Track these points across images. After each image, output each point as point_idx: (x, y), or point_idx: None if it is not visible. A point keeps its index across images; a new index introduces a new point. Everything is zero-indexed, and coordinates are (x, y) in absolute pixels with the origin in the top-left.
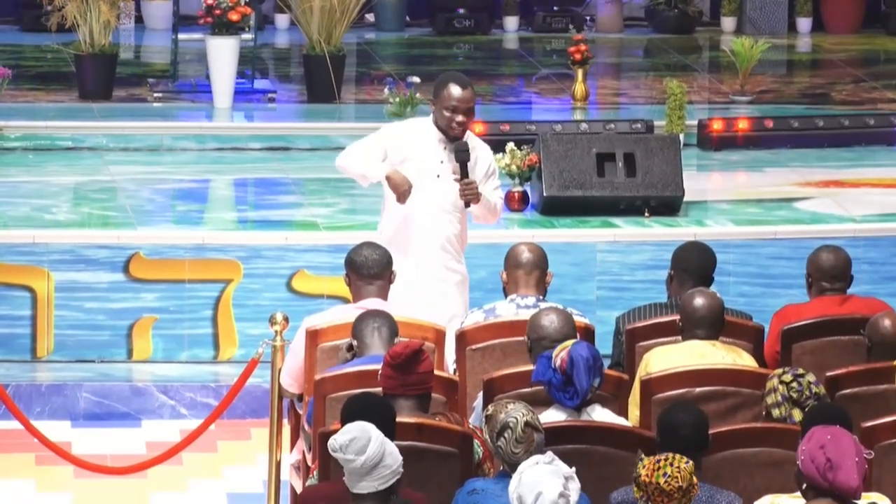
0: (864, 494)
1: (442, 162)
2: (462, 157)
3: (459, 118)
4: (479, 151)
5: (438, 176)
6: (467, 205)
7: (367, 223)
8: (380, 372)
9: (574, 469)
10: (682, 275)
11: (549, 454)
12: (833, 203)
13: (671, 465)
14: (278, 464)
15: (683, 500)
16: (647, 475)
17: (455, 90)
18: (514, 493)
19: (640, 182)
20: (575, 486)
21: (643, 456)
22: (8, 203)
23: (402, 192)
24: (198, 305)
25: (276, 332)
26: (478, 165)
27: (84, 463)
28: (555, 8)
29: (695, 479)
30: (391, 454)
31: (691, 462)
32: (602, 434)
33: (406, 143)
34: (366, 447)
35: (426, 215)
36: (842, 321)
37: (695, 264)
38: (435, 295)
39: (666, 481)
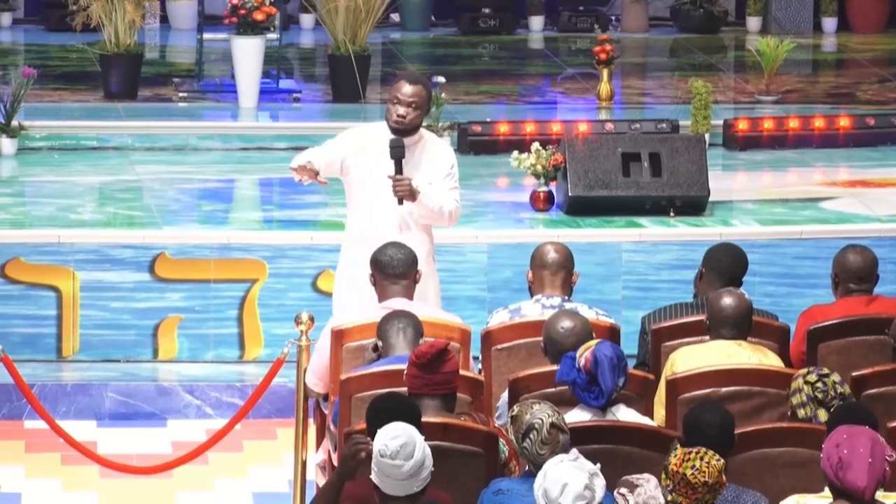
0: (886, 494)
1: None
2: (395, 153)
3: (400, 110)
4: (440, 152)
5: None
6: (400, 202)
7: None
8: (405, 372)
9: (599, 466)
10: (711, 274)
11: (574, 452)
12: (858, 203)
13: (701, 459)
14: (304, 463)
15: (708, 496)
16: (675, 465)
17: (402, 84)
18: (539, 490)
19: (666, 182)
20: (600, 483)
21: (678, 445)
22: (33, 203)
23: (299, 180)
24: (223, 305)
25: (301, 331)
26: (435, 165)
27: (110, 463)
28: (580, 7)
29: (724, 477)
30: (429, 455)
31: (723, 460)
32: (627, 434)
33: (363, 144)
34: (413, 451)
35: (385, 215)
36: (867, 321)
37: (726, 265)
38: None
39: (692, 474)
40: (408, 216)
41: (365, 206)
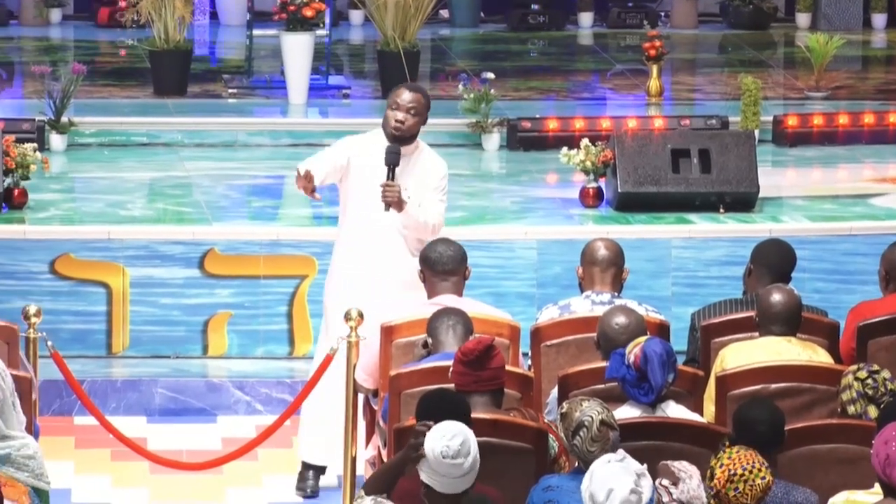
0: None
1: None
2: (390, 159)
3: (399, 116)
4: (434, 164)
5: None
6: (386, 208)
7: None
8: (451, 369)
9: (646, 466)
10: (761, 270)
11: (621, 452)
12: None
13: (745, 482)
14: (353, 459)
15: None
16: (720, 480)
17: (402, 92)
18: (586, 492)
19: (715, 178)
20: (647, 483)
21: (726, 447)
22: (83, 199)
23: (302, 186)
24: (273, 301)
25: (351, 327)
26: (428, 176)
27: (160, 458)
28: (629, 4)
29: (770, 478)
30: (477, 450)
31: (768, 478)
32: (677, 430)
33: (361, 150)
34: (470, 448)
35: (379, 219)
36: None
37: (775, 261)
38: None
39: (735, 496)
40: (396, 218)
41: (360, 211)
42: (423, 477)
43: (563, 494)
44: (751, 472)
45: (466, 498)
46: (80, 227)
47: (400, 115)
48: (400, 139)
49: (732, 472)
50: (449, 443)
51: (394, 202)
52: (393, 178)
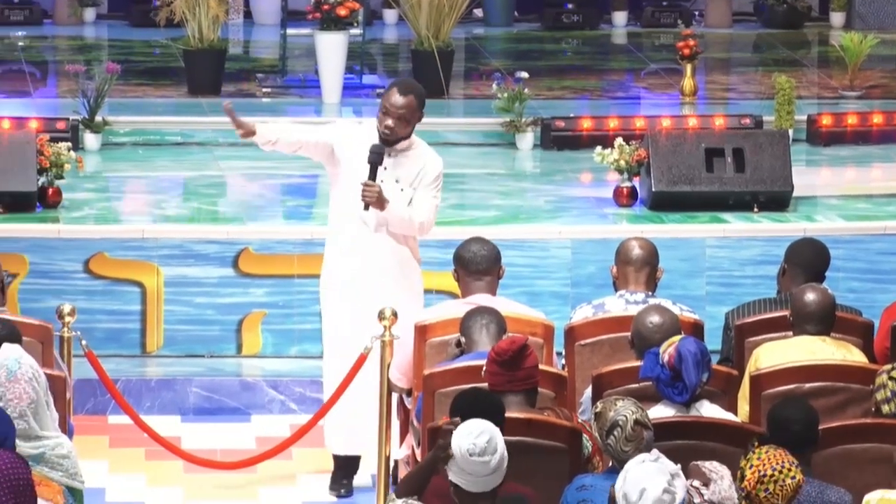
0: None
1: (385, 168)
2: (372, 158)
3: (388, 122)
4: (429, 160)
5: (382, 181)
6: (366, 207)
7: (475, 218)
8: (484, 369)
9: (680, 466)
10: (794, 269)
11: (655, 452)
12: None
13: (775, 482)
14: (388, 458)
15: None
16: (749, 482)
17: (393, 94)
18: (619, 492)
19: (749, 177)
20: (681, 483)
21: (755, 447)
22: (117, 198)
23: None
24: (307, 300)
25: (384, 327)
26: (423, 172)
27: (194, 458)
28: (663, 3)
29: (800, 487)
30: (504, 448)
31: (798, 478)
32: (711, 430)
33: (353, 141)
34: (497, 444)
35: (365, 218)
36: None
37: (809, 260)
38: (379, 302)
39: (766, 497)
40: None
41: (349, 201)
42: (452, 476)
43: (596, 494)
44: (781, 472)
45: (501, 498)
46: (114, 227)
47: (389, 122)
48: (389, 140)
49: (762, 472)
50: (476, 440)
51: (372, 202)
52: (374, 178)
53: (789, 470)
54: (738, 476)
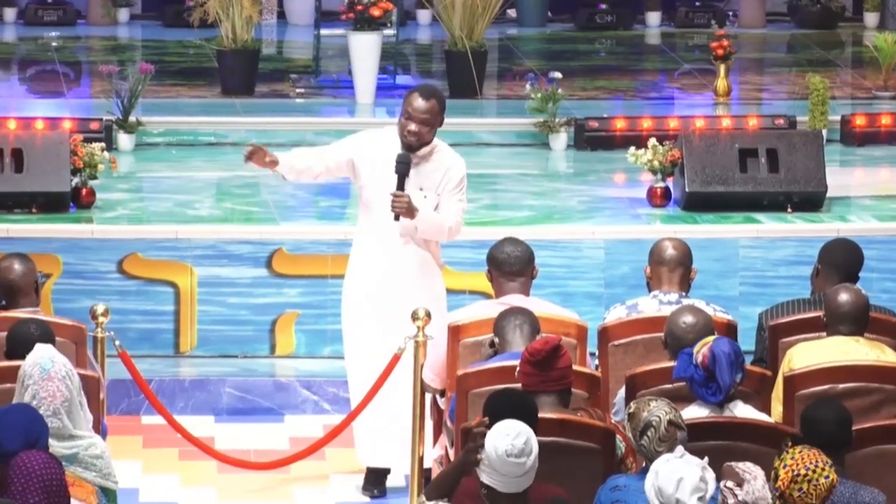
0: None
1: (408, 178)
2: (400, 168)
3: (412, 127)
4: (452, 163)
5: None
6: (396, 218)
7: (509, 219)
8: (518, 369)
9: (707, 460)
10: (828, 270)
11: (680, 449)
12: None
13: (809, 482)
14: (421, 459)
15: None
16: (783, 482)
17: (415, 99)
18: (651, 490)
19: (783, 178)
20: (711, 476)
21: (789, 447)
22: (151, 198)
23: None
24: (340, 301)
25: (418, 327)
26: (446, 176)
27: (227, 458)
28: (697, 3)
29: (834, 477)
30: (538, 449)
31: (832, 477)
32: (745, 430)
33: (373, 150)
34: (532, 447)
35: (390, 225)
36: None
37: (842, 261)
38: (402, 307)
39: (800, 497)
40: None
41: (375, 210)
42: (484, 478)
43: (630, 494)
44: (814, 471)
45: (542, 501)
46: (147, 227)
47: (413, 127)
48: (414, 145)
49: (796, 472)
50: (514, 441)
51: (403, 212)
52: (402, 188)
53: (823, 469)
54: (772, 476)
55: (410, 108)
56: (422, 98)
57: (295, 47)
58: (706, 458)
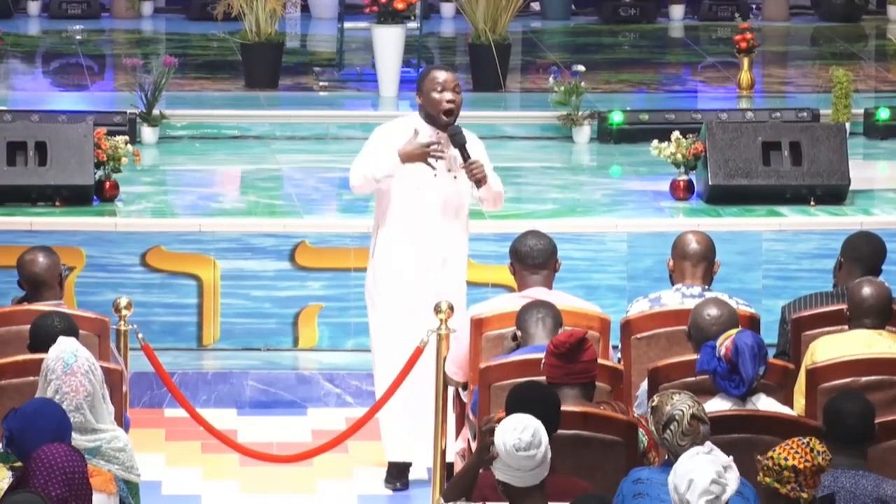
0: None
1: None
2: (459, 139)
3: (448, 96)
4: (474, 138)
5: (435, 175)
6: (478, 185)
7: (532, 212)
8: (543, 361)
9: (732, 458)
10: (851, 263)
11: (709, 444)
12: None
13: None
14: (443, 452)
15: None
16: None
17: (439, 73)
18: (671, 484)
19: (806, 171)
20: (733, 476)
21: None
22: (174, 191)
23: (422, 152)
24: (363, 294)
25: (440, 320)
26: (475, 150)
27: (250, 451)
28: None
29: (825, 461)
30: (548, 441)
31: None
32: (768, 423)
33: (397, 142)
34: (541, 439)
35: (425, 214)
36: None
37: (866, 254)
38: (429, 296)
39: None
40: (445, 206)
41: (405, 199)
42: (499, 475)
43: (653, 487)
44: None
45: (579, 497)
46: (171, 220)
47: (449, 95)
48: (453, 117)
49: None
50: (521, 435)
51: (483, 176)
52: (468, 156)
53: (809, 452)
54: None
55: (439, 82)
56: (445, 71)
57: (318, 40)
58: (731, 457)
